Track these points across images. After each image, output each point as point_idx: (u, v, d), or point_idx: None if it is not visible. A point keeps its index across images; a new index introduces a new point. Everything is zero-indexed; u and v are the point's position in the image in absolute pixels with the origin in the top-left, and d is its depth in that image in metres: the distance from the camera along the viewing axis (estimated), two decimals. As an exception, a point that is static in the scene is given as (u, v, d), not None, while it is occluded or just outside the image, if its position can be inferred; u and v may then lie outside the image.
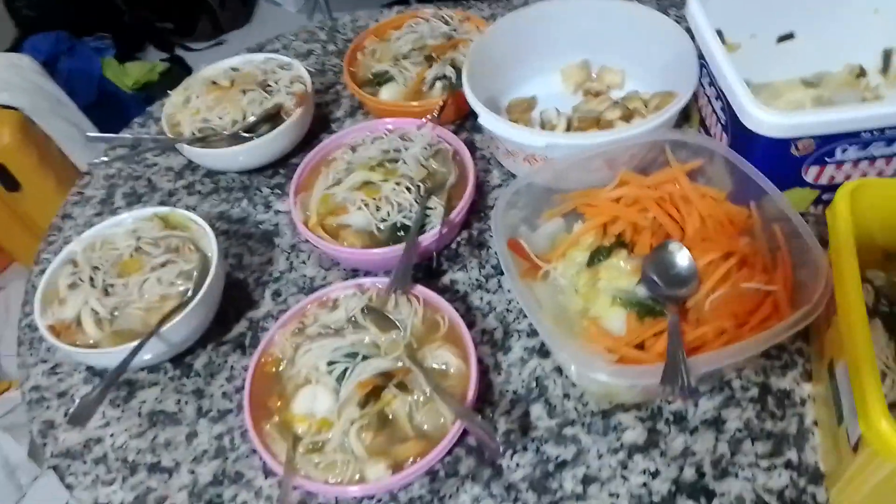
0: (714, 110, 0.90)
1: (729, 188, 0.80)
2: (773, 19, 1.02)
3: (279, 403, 0.75)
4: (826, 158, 0.81)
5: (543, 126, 1.03)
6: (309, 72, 1.13)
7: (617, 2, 1.09)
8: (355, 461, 0.69)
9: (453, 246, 0.96)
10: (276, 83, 1.11)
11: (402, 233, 0.88)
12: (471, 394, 0.72)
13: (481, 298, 0.89)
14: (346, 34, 1.38)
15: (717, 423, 0.74)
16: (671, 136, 0.85)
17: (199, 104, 1.09)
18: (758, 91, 0.79)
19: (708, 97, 0.92)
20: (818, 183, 0.85)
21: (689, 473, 0.71)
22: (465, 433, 0.73)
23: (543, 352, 0.82)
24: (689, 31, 0.94)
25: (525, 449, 0.74)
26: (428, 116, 1.01)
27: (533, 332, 0.84)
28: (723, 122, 0.88)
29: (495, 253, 0.93)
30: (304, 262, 0.97)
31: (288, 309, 0.83)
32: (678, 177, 0.82)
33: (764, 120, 0.77)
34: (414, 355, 0.76)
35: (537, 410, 0.77)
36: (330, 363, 0.75)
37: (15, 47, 2.54)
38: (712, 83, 0.89)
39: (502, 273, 0.91)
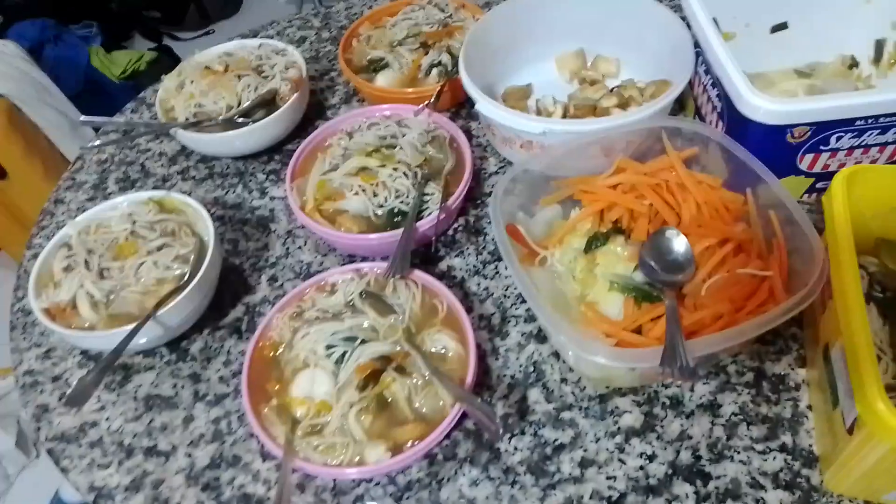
0: (710, 98, 0.91)
1: (725, 175, 0.81)
2: (766, 9, 1.02)
3: (277, 387, 0.75)
4: (821, 146, 0.82)
5: (540, 114, 1.03)
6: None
7: (612, -10, 1.09)
8: (354, 444, 0.70)
9: (450, 232, 0.96)
10: (270, 68, 1.11)
11: (400, 218, 0.88)
12: (470, 376, 0.72)
13: (479, 284, 0.89)
14: (341, 21, 1.37)
15: (712, 408, 0.75)
16: (668, 122, 0.86)
17: (193, 89, 1.08)
18: (751, 81, 0.80)
19: (704, 85, 0.93)
20: (812, 171, 0.85)
21: (685, 457, 0.71)
22: (463, 417, 0.73)
23: (541, 337, 0.83)
24: (684, 19, 0.95)
25: (523, 433, 0.75)
26: (425, 103, 1.01)
27: (530, 318, 0.85)
28: (718, 109, 0.88)
29: (492, 239, 0.94)
30: (300, 248, 0.97)
31: (284, 294, 0.83)
32: (675, 164, 0.82)
33: (760, 106, 0.78)
34: (412, 339, 0.76)
35: (535, 395, 0.78)
36: (328, 347, 0.75)
37: (-1, 34, 2.51)
38: (708, 71, 0.90)
39: (499, 259, 0.91)
